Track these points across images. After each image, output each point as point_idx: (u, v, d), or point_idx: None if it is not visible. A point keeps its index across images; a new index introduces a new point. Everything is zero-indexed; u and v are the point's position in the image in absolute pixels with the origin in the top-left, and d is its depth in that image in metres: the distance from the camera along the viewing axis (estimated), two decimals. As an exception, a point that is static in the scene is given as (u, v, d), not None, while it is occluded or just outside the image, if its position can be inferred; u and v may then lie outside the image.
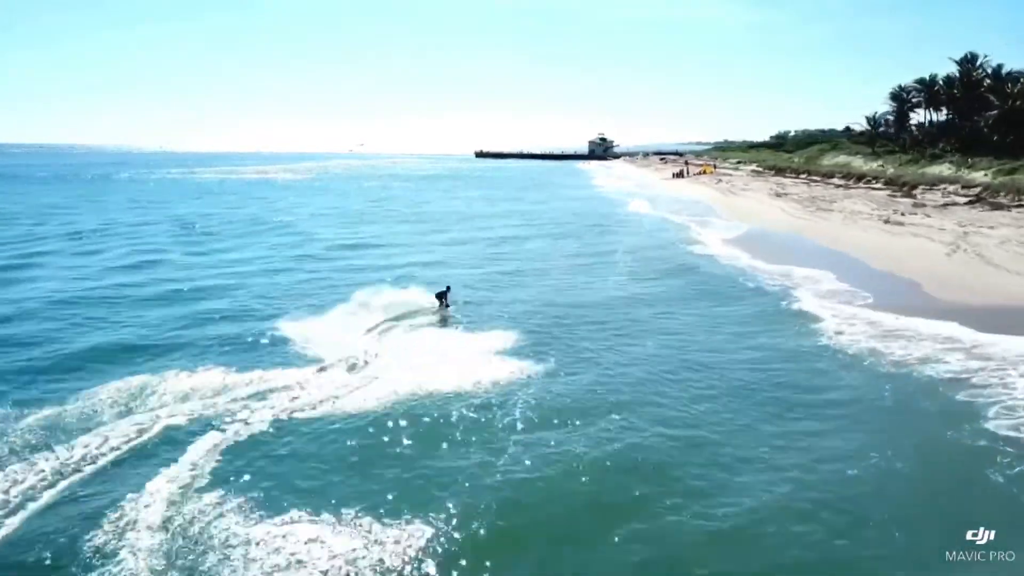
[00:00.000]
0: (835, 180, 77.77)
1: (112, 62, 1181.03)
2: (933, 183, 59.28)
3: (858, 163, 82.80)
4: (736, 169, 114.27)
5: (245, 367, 17.51)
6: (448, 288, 24.80)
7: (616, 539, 10.67)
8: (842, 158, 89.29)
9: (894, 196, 58.83)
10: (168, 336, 20.47)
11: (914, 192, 58.42)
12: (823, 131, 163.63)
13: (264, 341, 20.09)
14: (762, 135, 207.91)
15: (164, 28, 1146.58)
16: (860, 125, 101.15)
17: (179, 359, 18.26)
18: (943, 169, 63.42)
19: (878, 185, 67.80)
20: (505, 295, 26.41)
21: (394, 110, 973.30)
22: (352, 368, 17.80)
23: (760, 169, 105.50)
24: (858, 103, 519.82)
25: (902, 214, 47.24)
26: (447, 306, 23.99)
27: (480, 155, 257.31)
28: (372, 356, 18.66)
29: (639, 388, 16.62)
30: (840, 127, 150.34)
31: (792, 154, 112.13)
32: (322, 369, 17.64)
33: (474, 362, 17.95)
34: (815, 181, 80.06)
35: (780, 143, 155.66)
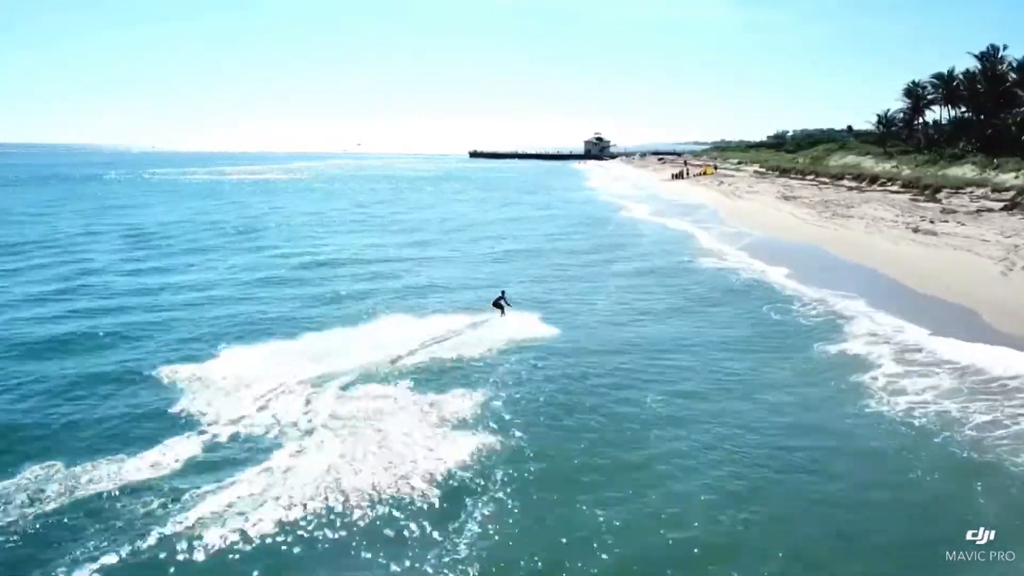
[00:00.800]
0: (845, 182, 72.97)
1: (112, 62, 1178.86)
2: (957, 186, 54.44)
3: (869, 164, 77.94)
4: (738, 170, 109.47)
5: (101, 461, 12.77)
6: (503, 293, 23.93)
7: None
8: (851, 158, 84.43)
9: (916, 200, 54.12)
10: (21, 411, 15.42)
11: (938, 196, 53.64)
12: (823, 131, 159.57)
13: (149, 414, 15.22)
14: (760, 135, 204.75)
15: (164, 28, 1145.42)
16: (870, 123, 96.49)
17: (15, 449, 13.34)
18: (966, 170, 58.54)
19: (895, 188, 63.00)
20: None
21: (393, 110, 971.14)
22: (250, 462, 12.97)
23: (763, 170, 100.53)
24: (857, 103, 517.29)
25: (931, 221, 42.69)
26: (504, 309, 23.27)
27: (475, 155, 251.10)
28: (287, 439, 13.88)
29: (654, 513, 11.63)
30: (839, 127, 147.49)
31: (795, 154, 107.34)
32: (206, 464, 12.85)
33: (418, 455, 13.16)
34: (824, 183, 75.24)
35: (779, 143, 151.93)
